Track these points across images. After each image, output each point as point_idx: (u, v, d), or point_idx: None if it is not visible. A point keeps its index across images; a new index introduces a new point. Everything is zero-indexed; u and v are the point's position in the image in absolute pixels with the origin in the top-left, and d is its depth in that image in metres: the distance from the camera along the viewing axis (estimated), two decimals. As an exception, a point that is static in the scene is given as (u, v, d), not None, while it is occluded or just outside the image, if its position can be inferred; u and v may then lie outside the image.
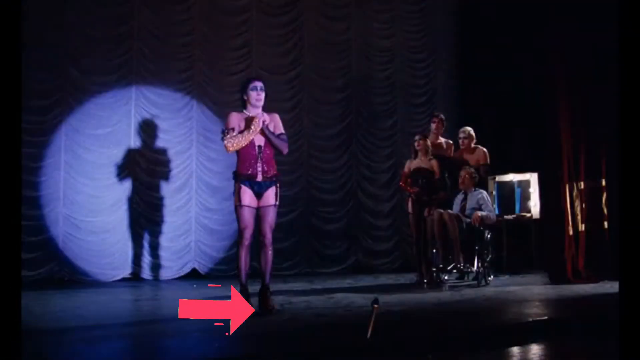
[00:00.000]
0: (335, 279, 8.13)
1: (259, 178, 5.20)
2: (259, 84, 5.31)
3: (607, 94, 6.77)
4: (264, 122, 5.20)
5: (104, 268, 8.04)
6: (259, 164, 5.20)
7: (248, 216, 5.19)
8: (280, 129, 5.34)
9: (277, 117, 5.40)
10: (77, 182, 8.04)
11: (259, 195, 5.23)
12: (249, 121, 5.18)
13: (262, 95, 5.30)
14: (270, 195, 5.25)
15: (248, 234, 5.20)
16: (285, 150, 5.35)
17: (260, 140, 5.23)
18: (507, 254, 8.81)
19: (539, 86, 7.61)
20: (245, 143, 5.16)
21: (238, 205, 5.19)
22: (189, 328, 4.49)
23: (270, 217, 5.26)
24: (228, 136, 5.15)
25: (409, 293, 6.51)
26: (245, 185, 5.19)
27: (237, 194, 5.21)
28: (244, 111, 5.32)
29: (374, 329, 3.84)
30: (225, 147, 5.19)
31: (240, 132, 5.17)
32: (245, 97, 5.30)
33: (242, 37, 9.08)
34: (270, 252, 5.26)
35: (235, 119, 5.25)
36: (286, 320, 4.89)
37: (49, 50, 7.97)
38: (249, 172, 5.19)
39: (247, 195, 5.19)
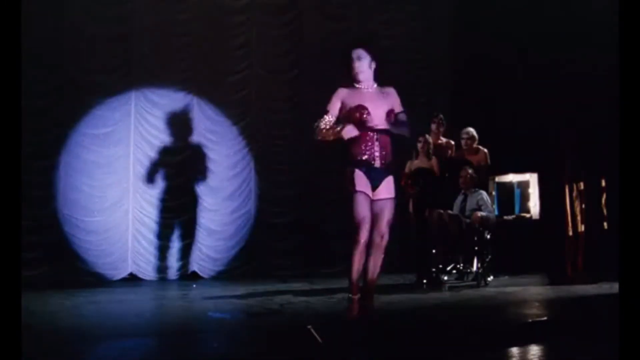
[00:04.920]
0: (335, 279, 8.12)
1: (377, 164, 4.42)
2: (357, 52, 4.48)
3: (608, 93, 6.76)
4: (365, 121, 4.40)
5: (104, 268, 8.04)
6: (376, 148, 4.44)
7: (365, 204, 4.31)
8: (398, 106, 4.57)
9: (393, 92, 4.62)
10: (77, 182, 8.04)
11: (374, 185, 4.42)
12: (354, 111, 4.43)
13: (364, 64, 4.50)
14: (389, 187, 4.47)
15: (365, 228, 4.27)
16: (408, 133, 4.62)
17: (378, 119, 4.42)
18: (507, 254, 8.80)
19: (539, 86, 7.61)
20: (333, 139, 4.45)
21: (353, 191, 4.31)
22: (189, 328, 4.49)
23: (389, 212, 4.46)
24: (322, 124, 4.45)
25: (409, 293, 6.51)
26: (360, 170, 4.40)
27: (350, 179, 4.38)
28: (356, 85, 4.53)
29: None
30: (314, 134, 4.49)
31: (337, 121, 4.42)
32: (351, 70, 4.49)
33: (242, 37, 9.07)
34: (382, 256, 4.46)
35: (337, 101, 4.50)
36: (286, 320, 4.88)
37: (49, 50, 7.98)
38: (365, 157, 4.40)
39: (363, 182, 4.37)
